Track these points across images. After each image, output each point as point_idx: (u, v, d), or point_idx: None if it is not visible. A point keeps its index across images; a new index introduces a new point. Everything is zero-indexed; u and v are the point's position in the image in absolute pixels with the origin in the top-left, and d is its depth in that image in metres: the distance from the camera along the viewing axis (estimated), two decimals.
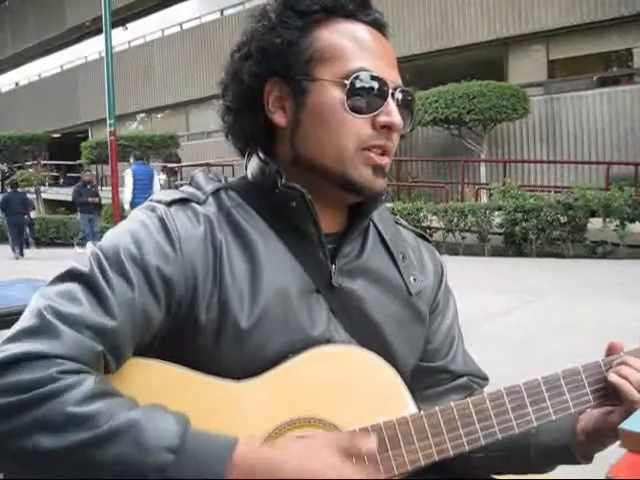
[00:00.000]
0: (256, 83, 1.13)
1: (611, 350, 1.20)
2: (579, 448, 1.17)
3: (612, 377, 1.13)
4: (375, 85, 1.10)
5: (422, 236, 1.35)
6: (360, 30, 1.13)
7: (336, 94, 1.09)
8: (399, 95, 1.13)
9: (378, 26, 1.16)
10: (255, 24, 1.15)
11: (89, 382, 0.90)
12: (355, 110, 1.09)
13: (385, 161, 1.13)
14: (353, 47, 1.11)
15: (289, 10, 1.12)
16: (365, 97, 1.09)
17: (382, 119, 1.10)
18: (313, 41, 1.11)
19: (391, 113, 1.10)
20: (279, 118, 1.13)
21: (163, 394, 0.98)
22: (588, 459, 1.20)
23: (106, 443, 0.86)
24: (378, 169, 1.12)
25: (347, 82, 1.08)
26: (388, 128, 1.11)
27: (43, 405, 0.86)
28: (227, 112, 1.20)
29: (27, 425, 0.86)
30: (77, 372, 0.91)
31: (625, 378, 1.12)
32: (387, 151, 1.13)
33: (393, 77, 1.13)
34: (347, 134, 1.09)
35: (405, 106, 1.15)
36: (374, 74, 1.09)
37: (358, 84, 1.09)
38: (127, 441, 0.86)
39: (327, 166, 1.11)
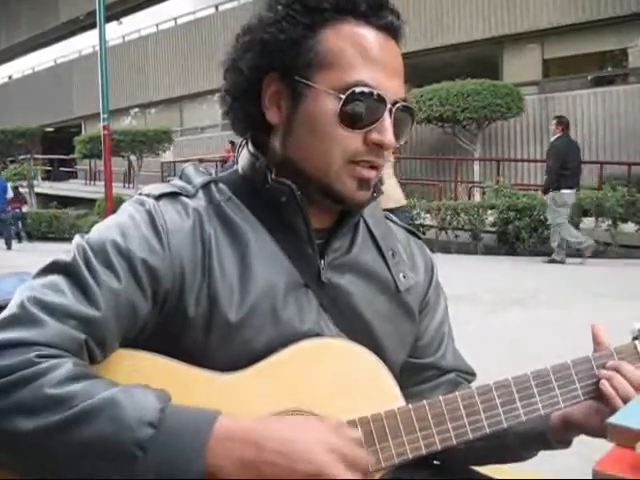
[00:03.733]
0: (255, 75, 1.11)
1: (596, 337, 1.21)
2: (554, 434, 1.19)
3: (603, 386, 1.13)
4: (372, 101, 1.06)
5: (413, 233, 1.35)
6: (368, 36, 1.08)
7: (329, 105, 1.06)
8: (397, 109, 1.09)
9: (390, 31, 1.11)
10: (264, 12, 1.12)
11: (67, 365, 0.90)
12: (347, 124, 1.06)
13: (372, 175, 1.11)
14: (356, 56, 1.06)
15: (298, 4, 1.09)
16: (360, 112, 1.06)
17: (374, 137, 1.07)
18: (316, 43, 1.07)
19: (384, 131, 1.07)
20: (273, 115, 1.12)
21: (149, 385, 0.98)
22: (565, 444, 1.21)
23: (85, 422, 0.86)
24: (364, 182, 1.10)
25: (342, 96, 1.05)
26: (379, 146, 1.08)
27: (21, 388, 0.87)
28: (227, 94, 1.18)
29: (6, 408, 0.86)
30: (56, 357, 0.91)
31: (615, 389, 1.12)
32: (376, 166, 1.11)
33: (395, 89, 1.09)
34: (336, 147, 1.07)
35: (402, 120, 1.12)
36: (372, 90, 1.05)
37: (354, 98, 1.05)
38: (106, 418, 0.86)
39: (313, 174, 1.10)
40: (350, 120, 1.06)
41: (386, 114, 1.07)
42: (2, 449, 0.88)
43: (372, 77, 1.06)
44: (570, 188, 10.31)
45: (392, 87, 1.08)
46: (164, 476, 0.86)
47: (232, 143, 12.76)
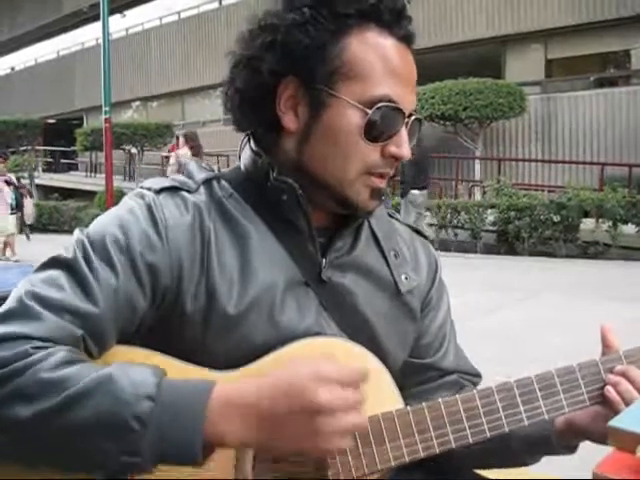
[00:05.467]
0: (273, 78, 1.09)
1: (605, 338, 1.18)
2: (560, 439, 1.17)
3: (609, 392, 1.11)
4: (394, 116, 1.07)
5: (417, 231, 1.35)
6: (390, 48, 1.08)
7: (354, 119, 1.06)
8: (411, 121, 1.11)
9: (409, 41, 1.12)
10: (285, 12, 1.09)
11: (62, 352, 0.91)
12: (369, 138, 1.07)
13: (383, 184, 1.12)
14: (380, 69, 1.07)
15: (324, 8, 1.07)
16: (381, 126, 1.07)
17: (392, 150, 1.08)
18: (341, 51, 1.07)
19: (401, 144, 1.09)
20: (289, 121, 1.11)
21: None
22: (570, 450, 1.20)
23: (81, 401, 0.87)
24: (376, 191, 1.12)
25: (369, 111, 1.05)
26: (395, 158, 1.09)
27: (18, 377, 0.87)
28: (235, 91, 1.15)
29: (3, 397, 0.87)
30: (51, 348, 0.92)
31: (621, 396, 1.10)
32: (386, 176, 1.12)
33: (410, 102, 1.10)
34: (355, 159, 1.08)
35: (413, 130, 1.13)
36: (396, 105, 1.07)
37: (378, 114, 1.06)
38: (103, 395, 0.87)
39: (328, 182, 1.10)
40: (373, 134, 1.07)
41: (403, 127, 1.09)
42: (3, 436, 0.89)
43: (395, 91, 1.07)
44: (420, 189, 11.31)
45: (409, 100, 1.10)
46: (166, 448, 0.87)
47: (178, 138, 11.89)
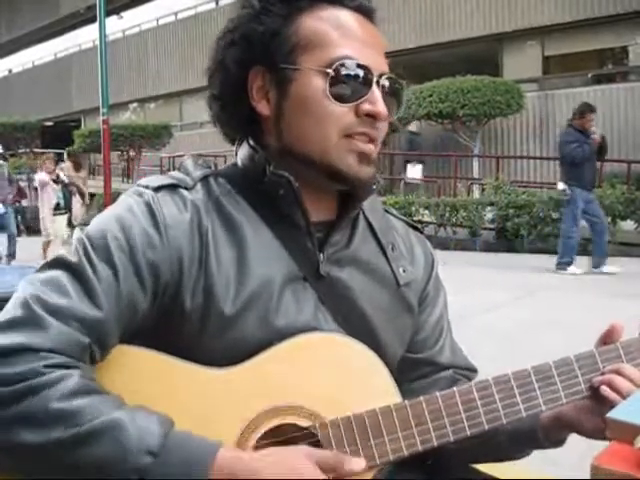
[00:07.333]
0: (240, 71, 1.12)
1: (610, 332, 1.18)
2: (545, 433, 1.17)
3: (605, 392, 1.10)
4: (359, 73, 1.08)
5: (413, 226, 1.35)
6: (344, 16, 1.11)
7: (319, 83, 1.08)
8: (385, 82, 1.11)
9: (364, 12, 1.14)
10: (240, 11, 1.14)
11: (74, 378, 0.90)
12: (338, 99, 1.08)
13: (370, 148, 1.11)
14: (337, 34, 1.09)
15: None
16: (349, 85, 1.08)
17: (365, 107, 1.09)
18: (296, 29, 1.10)
19: (375, 101, 1.09)
20: (263, 108, 1.13)
21: (146, 381, 0.99)
22: (556, 444, 1.19)
23: (87, 442, 0.86)
24: (363, 157, 1.11)
25: (330, 71, 1.07)
26: (372, 117, 1.09)
27: (27, 399, 0.87)
28: (214, 100, 1.19)
29: (10, 418, 0.86)
30: (63, 366, 0.91)
31: (617, 391, 1.09)
32: (373, 139, 1.11)
33: (379, 64, 1.11)
34: (330, 123, 1.08)
35: (391, 93, 1.13)
36: (358, 62, 1.08)
37: (342, 72, 1.07)
38: (108, 441, 0.87)
39: (312, 156, 1.10)
40: (340, 94, 1.08)
41: (374, 85, 1.09)
42: (3, 457, 0.88)
43: (356, 51, 1.09)
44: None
45: (375, 61, 1.11)
46: None
47: (57, 162, 11.39)
